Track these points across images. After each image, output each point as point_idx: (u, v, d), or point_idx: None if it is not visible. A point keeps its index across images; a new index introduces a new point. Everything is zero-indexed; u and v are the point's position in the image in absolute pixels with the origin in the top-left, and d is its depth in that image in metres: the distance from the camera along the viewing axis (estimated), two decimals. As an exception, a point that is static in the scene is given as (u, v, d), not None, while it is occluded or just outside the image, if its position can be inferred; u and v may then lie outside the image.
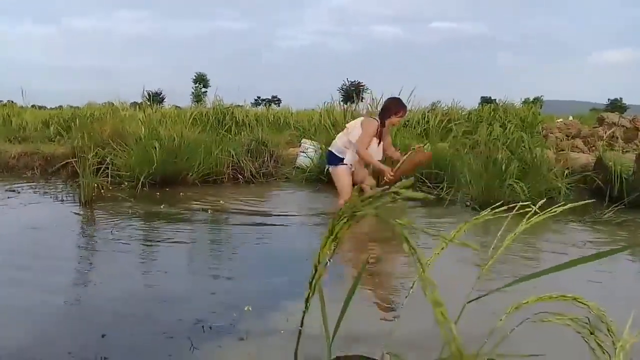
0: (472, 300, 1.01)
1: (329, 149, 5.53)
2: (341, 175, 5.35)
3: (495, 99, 13.59)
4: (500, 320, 0.91)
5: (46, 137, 10.89)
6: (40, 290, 2.83)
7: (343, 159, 5.32)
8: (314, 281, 0.66)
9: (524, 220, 1.02)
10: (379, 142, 5.32)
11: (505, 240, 1.01)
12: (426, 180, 6.75)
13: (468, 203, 5.96)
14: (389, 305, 2.77)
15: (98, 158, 6.45)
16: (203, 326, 2.35)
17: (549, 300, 0.88)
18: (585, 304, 0.87)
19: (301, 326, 0.74)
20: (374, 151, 5.27)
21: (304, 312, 0.68)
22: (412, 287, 1.00)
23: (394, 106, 5.33)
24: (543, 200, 1.21)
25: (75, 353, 2.05)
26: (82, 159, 5.68)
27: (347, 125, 5.65)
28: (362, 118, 5.48)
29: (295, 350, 0.83)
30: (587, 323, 0.88)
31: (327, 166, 5.71)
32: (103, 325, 2.34)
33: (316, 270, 0.66)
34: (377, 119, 5.30)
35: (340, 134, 5.54)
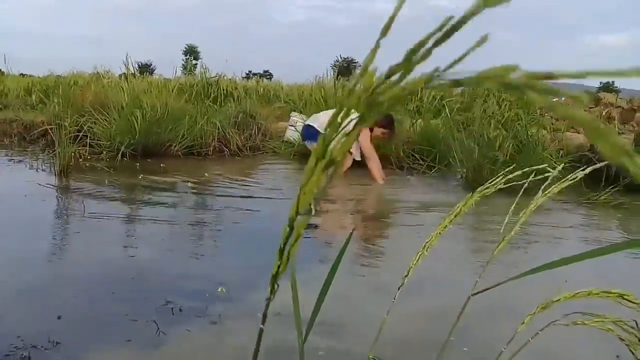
0: (477, 292, 0.83)
1: (310, 123, 5.46)
2: None
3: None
4: (522, 323, 0.70)
5: (28, 104, 10.58)
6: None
7: None
8: (287, 246, 0.36)
9: (540, 193, 0.84)
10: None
11: (519, 218, 0.84)
12: (418, 158, 6.57)
13: (459, 181, 5.82)
14: (380, 296, 2.43)
15: (77, 126, 6.18)
16: (172, 308, 2.15)
17: (586, 297, 0.68)
18: (635, 302, 0.66)
19: (262, 323, 0.46)
20: (355, 149, 5.43)
21: (268, 300, 0.39)
22: (406, 276, 0.79)
23: (386, 120, 5.59)
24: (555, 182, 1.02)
25: (25, 336, 1.83)
26: (59, 127, 5.41)
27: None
28: (356, 114, 5.47)
29: (255, 354, 0.59)
30: (635, 327, 0.68)
31: (308, 142, 5.59)
32: (61, 305, 2.12)
33: (292, 229, 0.35)
34: None
35: (328, 113, 5.55)
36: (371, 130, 5.49)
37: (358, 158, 5.54)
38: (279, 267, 0.38)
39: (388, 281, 2.58)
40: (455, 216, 0.77)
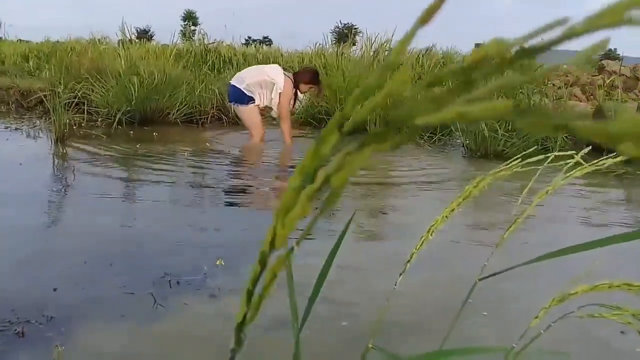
0: (484, 277, 0.78)
1: (234, 84, 5.30)
2: (252, 113, 5.29)
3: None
4: (536, 317, 0.66)
5: (25, 71, 10.47)
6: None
7: (252, 98, 5.22)
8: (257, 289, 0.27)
9: (562, 172, 0.79)
10: (294, 103, 5.46)
11: (536, 197, 0.79)
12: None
13: (461, 150, 5.77)
14: (381, 282, 2.23)
15: (73, 93, 6.09)
16: (170, 281, 2.11)
17: (607, 289, 0.63)
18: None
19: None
20: (275, 106, 5.37)
21: (234, 352, 0.29)
22: (408, 262, 0.74)
23: (310, 76, 5.36)
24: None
25: (19, 309, 1.80)
26: (54, 94, 5.32)
27: (264, 66, 5.65)
28: (281, 69, 5.42)
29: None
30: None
31: (232, 104, 5.45)
32: (56, 277, 2.09)
33: (263, 267, 0.26)
34: (292, 77, 5.28)
35: (252, 72, 5.42)
36: (297, 88, 5.31)
37: (275, 115, 5.52)
38: (245, 314, 0.27)
39: (392, 254, 2.55)
40: (463, 199, 0.72)
